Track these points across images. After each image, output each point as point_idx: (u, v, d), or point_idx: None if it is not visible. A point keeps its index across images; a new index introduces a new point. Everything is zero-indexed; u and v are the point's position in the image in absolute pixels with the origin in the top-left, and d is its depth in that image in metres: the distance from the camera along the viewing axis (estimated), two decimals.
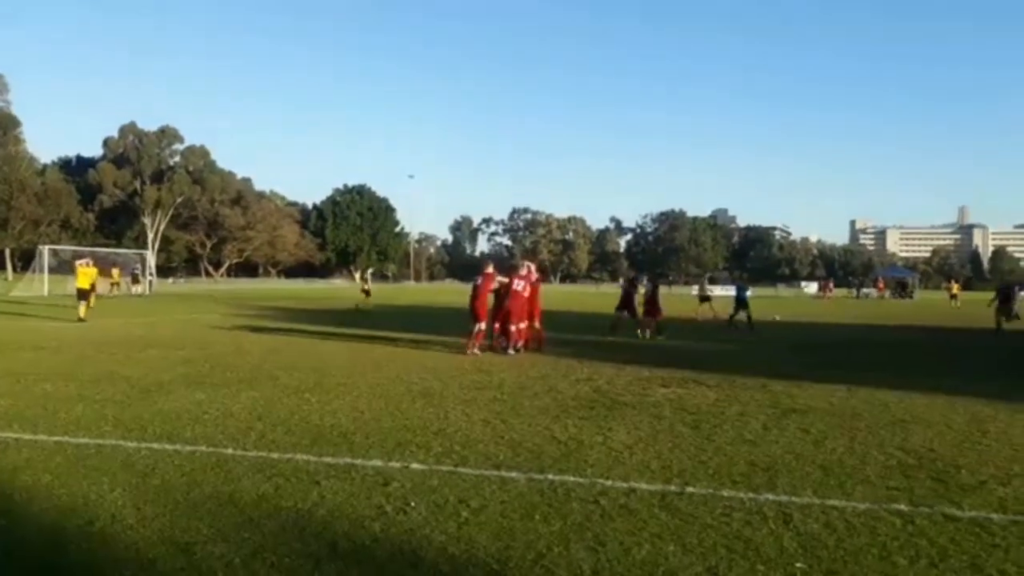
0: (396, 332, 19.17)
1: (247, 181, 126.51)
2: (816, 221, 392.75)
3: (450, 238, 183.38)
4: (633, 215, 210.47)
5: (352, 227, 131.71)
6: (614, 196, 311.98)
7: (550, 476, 5.58)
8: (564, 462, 6.03)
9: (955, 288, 53.22)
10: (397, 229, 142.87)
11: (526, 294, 14.73)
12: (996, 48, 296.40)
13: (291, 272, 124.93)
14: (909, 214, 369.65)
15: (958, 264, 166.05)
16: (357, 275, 39.77)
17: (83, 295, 22.25)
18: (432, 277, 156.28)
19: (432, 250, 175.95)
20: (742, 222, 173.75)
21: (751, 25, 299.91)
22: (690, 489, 5.32)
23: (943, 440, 7.15)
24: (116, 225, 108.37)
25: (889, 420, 8.11)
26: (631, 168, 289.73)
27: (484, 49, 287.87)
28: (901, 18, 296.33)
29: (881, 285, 71.47)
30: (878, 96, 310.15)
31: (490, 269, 15.06)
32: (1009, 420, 8.24)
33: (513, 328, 14.36)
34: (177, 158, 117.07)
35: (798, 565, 3.97)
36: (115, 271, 44.76)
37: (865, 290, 74.01)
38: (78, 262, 24.65)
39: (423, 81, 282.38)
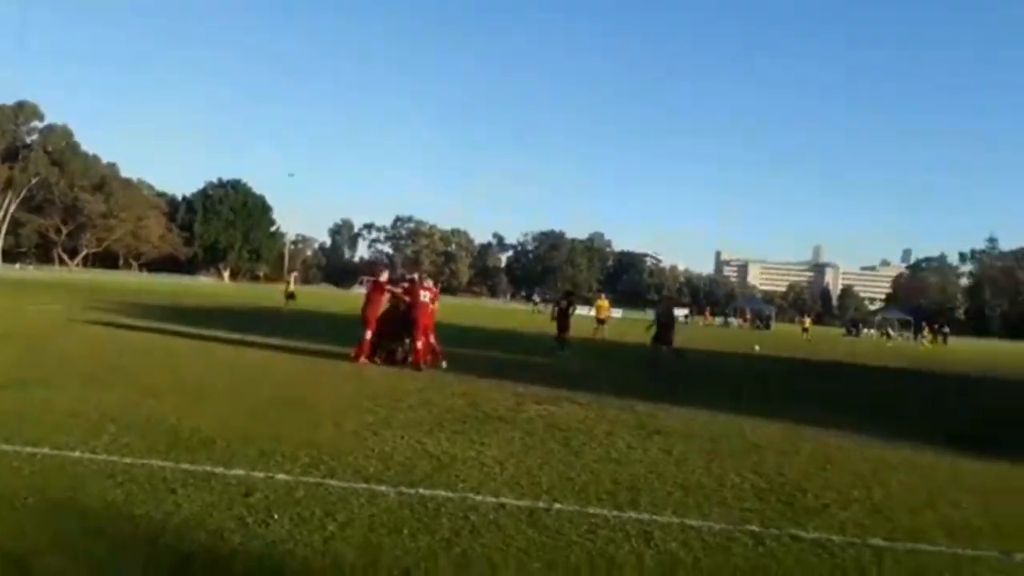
0: (268, 337, 18.49)
1: (112, 166, 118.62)
2: (685, 251, 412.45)
3: (329, 241, 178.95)
4: (515, 232, 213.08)
5: (224, 222, 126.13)
6: (497, 212, 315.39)
7: (421, 490, 5.53)
8: (435, 476, 6.00)
9: (807, 322, 57.25)
10: (273, 228, 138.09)
11: (433, 307, 14.44)
12: (854, 99, 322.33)
13: (154, 266, 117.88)
14: (769, 249, 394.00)
15: (810, 299, 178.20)
16: (290, 279, 37.07)
17: None
18: (307, 281, 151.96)
19: (309, 253, 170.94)
20: (617, 247, 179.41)
21: (631, 52, 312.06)
22: (557, 506, 5.41)
23: (792, 466, 7.61)
24: None
25: (745, 445, 8.57)
26: (516, 186, 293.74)
27: (373, 50, 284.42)
28: (771, 58, 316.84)
29: (747, 316, 76.27)
30: (749, 136, 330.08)
31: (384, 277, 14.68)
32: (853, 450, 8.86)
33: (420, 343, 13.69)
34: (35, 136, 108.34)
35: None
36: None
37: (732, 319, 78.42)
38: None
39: (308, 78, 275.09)
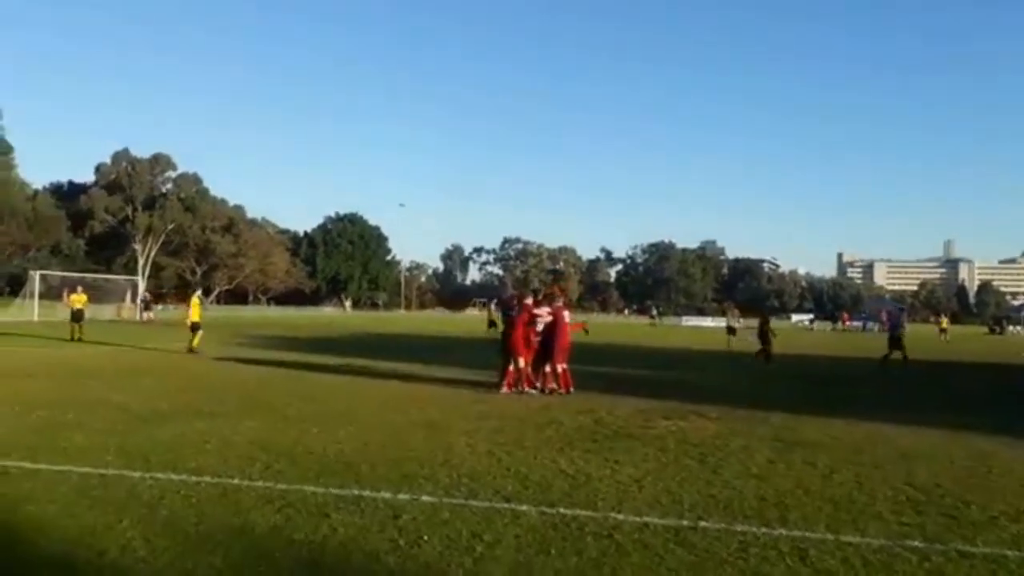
0: (394, 362, 19.09)
1: (239, 208, 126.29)
2: (804, 254, 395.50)
3: (441, 267, 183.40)
4: (623, 246, 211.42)
5: (343, 255, 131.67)
6: (604, 226, 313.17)
7: (561, 509, 5.54)
8: (574, 495, 6.00)
9: (944, 322, 53.58)
10: (388, 257, 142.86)
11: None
12: (980, 85, 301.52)
13: (281, 299, 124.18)
14: (896, 248, 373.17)
15: (944, 297, 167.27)
16: (481, 308, 39.12)
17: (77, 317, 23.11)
18: (423, 306, 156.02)
19: (423, 279, 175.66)
20: (731, 254, 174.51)
21: (740, 57, 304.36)
22: (703, 524, 5.29)
23: (948, 475, 7.15)
24: (106, 251, 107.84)
25: (892, 454, 8.12)
26: (621, 199, 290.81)
27: (477, 76, 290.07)
28: (885, 50, 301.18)
29: (845, 317, 72.75)
30: (865, 130, 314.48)
31: (529, 300, 13.68)
32: (1011, 456, 8.26)
33: (561, 368, 13.01)
34: (169, 185, 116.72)
35: None
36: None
37: (871, 323, 74.65)
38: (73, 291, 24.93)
39: (417, 109, 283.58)
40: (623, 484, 6.46)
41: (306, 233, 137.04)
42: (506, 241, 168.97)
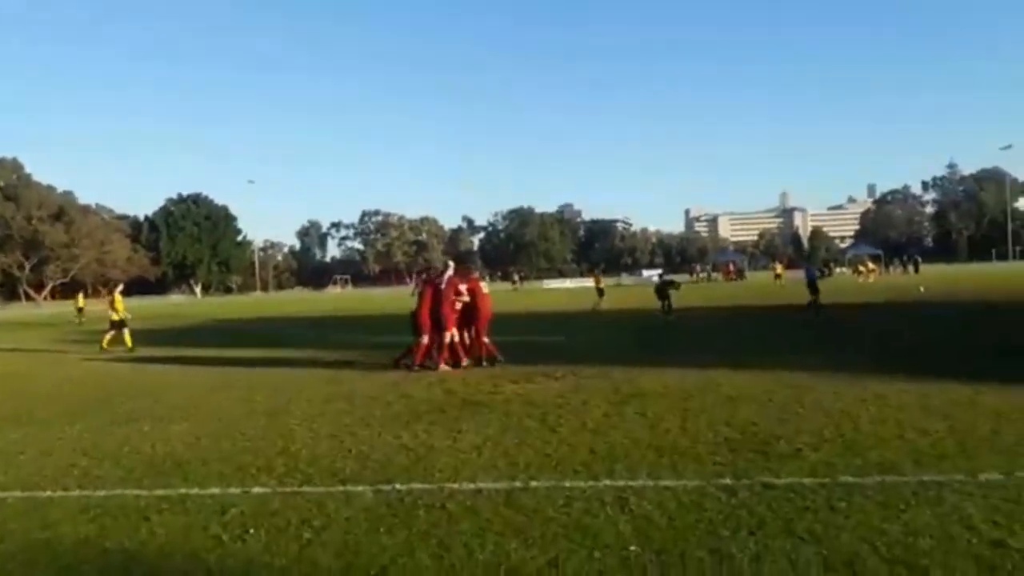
0: (242, 348, 18.38)
1: (69, 195, 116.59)
2: (654, 211, 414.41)
3: (298, 244, 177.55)
4: (484, 213, 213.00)
5: (189, 238, 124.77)
6: (465, 195, 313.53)
7: (397, 486, 5.56)
8: (412, 470, 6.03)
9: (779, 269, 57.72)
10: (239, 238, 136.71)
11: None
12: (805, 41, 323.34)
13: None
14: (738, 200, 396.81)
15: (782, 245, 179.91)
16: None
17: None
18: (280, 287, 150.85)
19: (279, 258, 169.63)
20: (587, 216, 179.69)
21: (592, 28, 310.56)
22: (534, 483, 5.47)
23: (765, 413, 7.74)
24: None
25: (718, 398, 8.69)
26: (480, 166, 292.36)
27: (320, 42, 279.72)
28: (732, 17, 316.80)
29: (728, 269, 77.10)
30: (705, 91, 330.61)
31: (451, 272, 13.14)
32: (824, 389, 9.01)
33: (487, 340, 12.95)
34: None
35: (632, 548, 4.18)
36: None
37: (714, 274, 79.25)
38: None
39: (257, 80, 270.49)
40: (463, 452, 6.56)
41: (147, 217, 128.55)
42: (365, 214, 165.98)
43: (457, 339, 12.74)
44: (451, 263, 13.73)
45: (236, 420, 8.57)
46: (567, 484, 5.42)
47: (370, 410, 8.87)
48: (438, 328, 12.64)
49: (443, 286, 12.69)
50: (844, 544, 4.14)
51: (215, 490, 5.63)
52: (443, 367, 12.39)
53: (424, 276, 13.50)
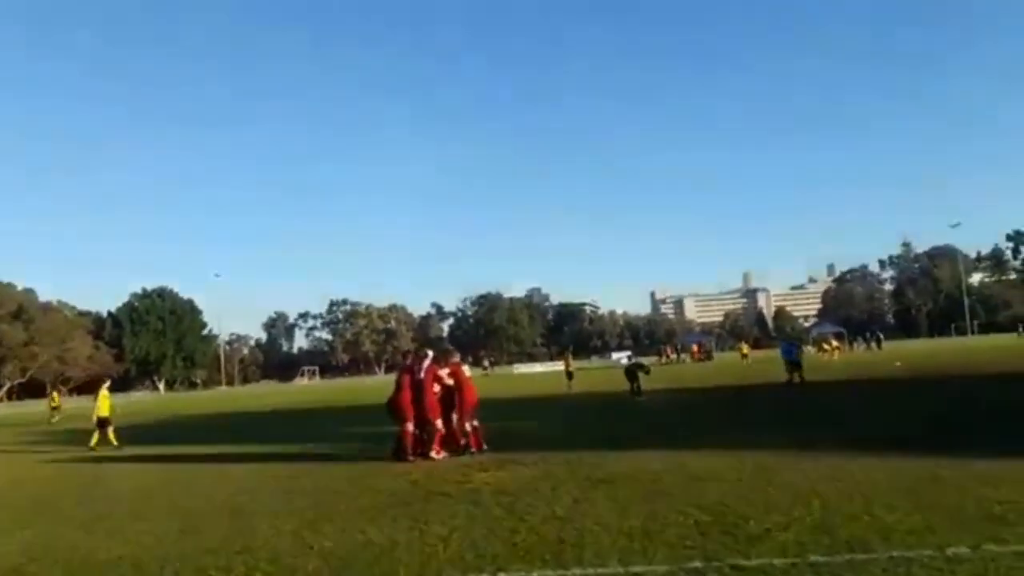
0: (205, 445, 17.93)
1: (30, 292, 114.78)
2: (621, 294, 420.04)
3: (264, 336, 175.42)
4: (453, 299, 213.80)
5: (153, 333, 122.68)
6: (434, 281, 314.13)
7: None
8: (376, 566, 5.86)
9: (745, 348, 58.51)
10: (204, 331, 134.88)
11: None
12: (760, 131, 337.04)
13: (85, 388, 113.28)
14: (702, 282, 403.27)
15: (747, 325, 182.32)
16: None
17: None
18: (247, 380, 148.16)
19: (245, 351, 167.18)
20: (555, 300, 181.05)
21: (551, 108, 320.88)
22: (502, 575, 5.35)
23: (735, 494, 7.70)
24: None
25: (688, 479, 8.64)
26: (448, 252, 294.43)
27: (279, 131, 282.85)
28: (675, 105, 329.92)
29: (696, 350, 77.47)
30: (661, 176, 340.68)
31: (429, 360, 12.65)
32: (792, 468, 9.01)
33: (476, 424, 12.69)
34: None
35: None
36: None
37: (683, 355, 79.58)
38: None
39: (221, 173, 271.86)
40: (429, 545, 6.40)
41: (110, 313, 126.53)
42: (333, 304, 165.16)
43: (442, 427, 12.25)
44: (429, 351, 13.32)
45: (197, 518, 8.29)
46: (535, 574, 5.31)
47: (334, 504, 8.65)
48: (424, 418, 12.22)
49: (421, 375, 12.30)
50: None
51: None
52: (440, 455, 12.00)
53: (407, 362, 12.95)
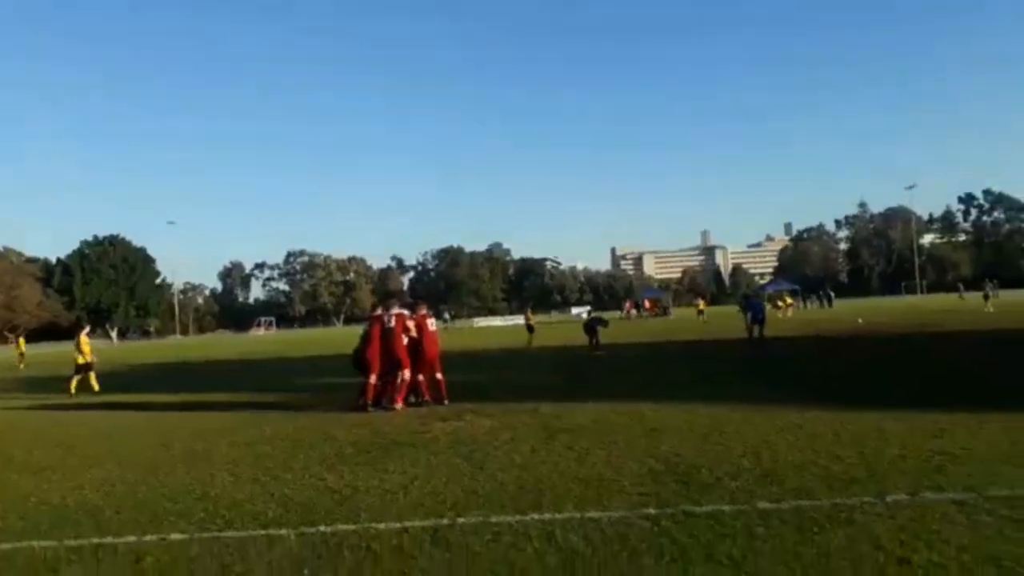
0: (159, 393, 17.74)
1: None
2: (582, 250, 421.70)
3: (220, 286, 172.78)
4: (414, 252, 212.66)
5: (105, 281, 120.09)
6: (394, 233, 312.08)
7: (322, 528, 5.46)
8: (336, 512, 5.92)
9: (702, 305, 59.40)
10: (158, 280, 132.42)
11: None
12: (725, 87, 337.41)
13: (34, 336, 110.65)
14: (662, 239, 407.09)
15: (704, 282, 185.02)
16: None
17: None
18: (202, 330, 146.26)
19: (200, 300, 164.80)
20: (516, 254, 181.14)
21: (516, 63, 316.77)
22: (461, 520, 5.46)
23: (688, 445, 7.91)
24: None
25: (643, 431, 8.85)
26: (409, 205, 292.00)
27: (239, 81, 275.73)
28: (641, 59, 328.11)
29: (648, 305, 78.39)
30: (630, 132, 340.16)
31: (397, 310, 12.70)
32: (744, 420, 9.28)
33: (439, 377, 12.81)
34: None
35: None
36: None
37: (644, 311, 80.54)
38: None
39: (179, 118, 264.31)
40: (390, 492, 6.48)
41: (60, 260, 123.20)
42: (290, 255, 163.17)
43: (408, 377, 12.34)
44: (399, 301, 13.28)
45: (153, 466, 8.25)
46: (494, 519, 5.43)
47: (293, 453, 8.68)
48: (391, 367, 12.31)
49: (391, 323, 12.37)
50: (762, 568, 4.26)
51: (130, 538, 5.41)
52: (399, 405, 12.08)
53: (375, 312, 12.86)
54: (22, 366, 36.58)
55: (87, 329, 21.16)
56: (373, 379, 12.29)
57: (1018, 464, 6.32)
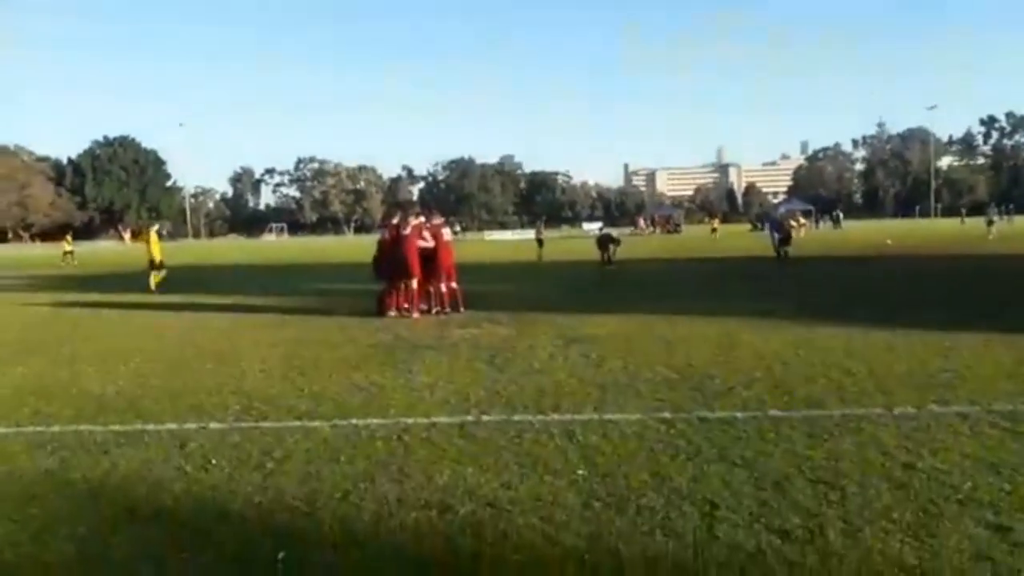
0: (181, 294, 18.10)
1: None
2: (594, 166, 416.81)
3: (230, 191, 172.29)
4: (425, 163, 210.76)
5: (116, 182, 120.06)
6: (405, 143, 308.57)
7: (354, 421, 5.75)
8: (367, 407, 6.21)
9: (715, 223, 59.22)
10: (169, 183, 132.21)
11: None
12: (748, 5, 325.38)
13: (48, 235, 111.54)
14: (675, 156, 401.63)
15: (717, 200, 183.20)
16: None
17: None
18: (212, 234, 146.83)
19: (211, 204, 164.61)
20: (528, 168, 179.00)
21: None
22: (486, 418, 5.74)
23: (700, 356, 8.15)
24: None
25: (657, 341, 9.09)
26: (421, 115, 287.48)
27: None
28: None
29: (658, 221, 78.35)
30: (643, 48, 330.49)
31: (416, 218, 12.77)
32: (757, 335, 9.48)
33: (454, 286, 12.95)
34: None
35: (579, 472, 4.49)
36: None
37: (656, 228, 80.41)
38: None
39: (191, 21, 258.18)
40: (415, 391, 6.77)
41: (71, 159, 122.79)
42: (300, 161, 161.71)
43: (416, 287, 12.46)
44: (415, 209, 13.38)
45: (183, 362, 8.58)
46: (517, 418, 5.70)
47: (319, 354, 8.97)
48: (403, 275, 12.46)
49: (407, 231, 12.43)
50: (773, 468, 4.51)
51: (172, 426, 5.72)
52: (416, 314, 12.25)
53: (393, 220, 12.92)
54: (72, 263, 37.60)
55: (157, 227, 21.74)
56: (394, 285, 12.49)
57: (1021, 382, 6.53)
